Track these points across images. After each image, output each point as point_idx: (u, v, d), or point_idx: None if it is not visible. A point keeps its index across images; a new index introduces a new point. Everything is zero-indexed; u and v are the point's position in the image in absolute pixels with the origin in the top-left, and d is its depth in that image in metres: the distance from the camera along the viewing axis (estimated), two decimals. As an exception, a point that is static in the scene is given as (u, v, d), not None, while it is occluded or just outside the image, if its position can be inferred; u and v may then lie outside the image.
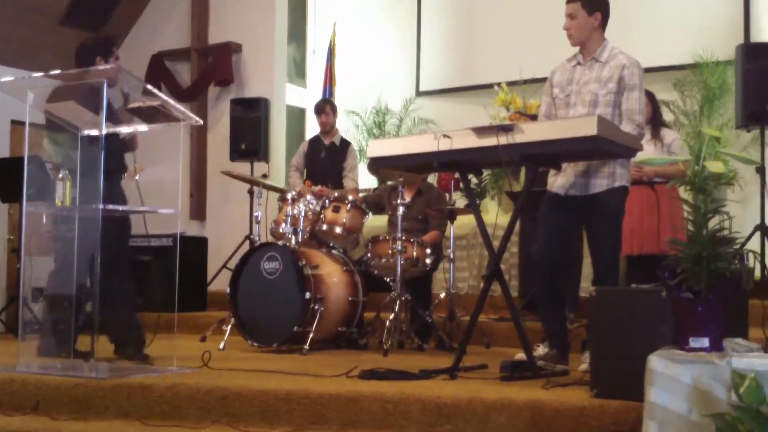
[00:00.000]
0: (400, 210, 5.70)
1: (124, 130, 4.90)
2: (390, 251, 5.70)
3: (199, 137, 8.91)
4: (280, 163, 8.65)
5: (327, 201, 6.00)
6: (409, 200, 6.18)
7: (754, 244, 6.10)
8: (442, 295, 6.09)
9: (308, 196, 6.03)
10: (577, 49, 4.47)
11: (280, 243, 5.67)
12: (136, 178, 5.15)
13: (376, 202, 6.56)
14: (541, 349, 4.38)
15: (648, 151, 5.32)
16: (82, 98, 4.64)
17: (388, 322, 5.47)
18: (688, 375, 2.85)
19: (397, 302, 5.52)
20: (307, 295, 5.36)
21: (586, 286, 5.66)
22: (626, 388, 3.22)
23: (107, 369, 4.26)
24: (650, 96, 5.66)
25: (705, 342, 2.98)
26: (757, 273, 5.76)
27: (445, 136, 4.14)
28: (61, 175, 4.42)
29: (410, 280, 5.87)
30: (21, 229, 4.74)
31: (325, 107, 7.38)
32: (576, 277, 5.84)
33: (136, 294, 5.16)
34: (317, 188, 6.82)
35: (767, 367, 2.74)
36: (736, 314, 3.45)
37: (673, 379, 2.87)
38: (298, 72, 9.99)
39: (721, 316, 3.00)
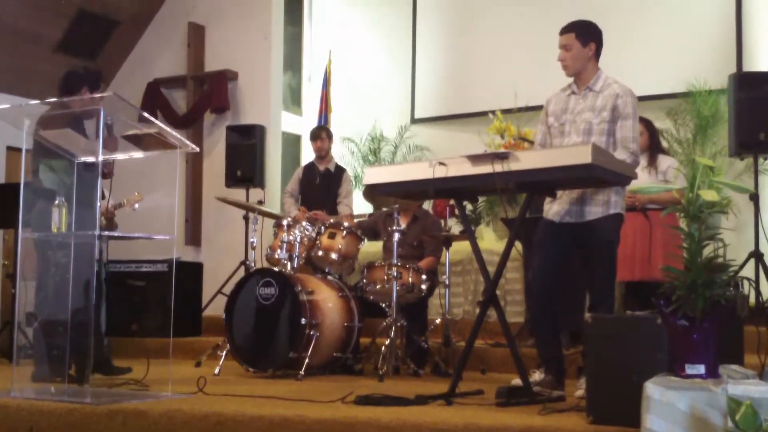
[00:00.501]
0: (396, 236, 5.72)
1: (119, 157, 4.92)
2: (385, 277, 5.71)
3: (194, 164, 8.95)
4: (275, 190, 8.67)
5: (323, 227, 6.01)
6: (405, 226, 6.19)
7: (748, 271, 6.12)
8: (438, 321, 6.07)
9: (304, 222, 6.05)
10: (571, 78, 4.51)
11: (275, 269, 5.67)
12: (135, 206, 5.16)
13: (371, 228, 6.57)
14: (537, 375, 4.37)
15: (643, 179, 5.35)
16: (67, 126, 4.66)
17: (383, 348, 5.48)
18: (684, 402, 2.86)
19: (393, 328, 5.53)
20: (303, 320, 5.36)
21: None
22: (623, 414, 3.21)
23: (102, 394, 4.23)
24: (647, 124, 5.70)
25: (701, 369, 2.98)
26: (752, 300, 5.78)
27: (440, 163, 4.16)
28: (57, 202, 4.42)
29: (406, 305, 5.87)
30: (16, 254, 4.73)
31: (321, 133, 7.42)
32: (580, 303, 5.82)
33: (133, 320, 5.16)
34: (312, 213, 6.83)
35: (763, 394, 2.75)
36: (731, 341, 3.47)
37: (669, 405, 2.87)
38: (293, 99, 10.04)
39: (717, 343, 3.01)
